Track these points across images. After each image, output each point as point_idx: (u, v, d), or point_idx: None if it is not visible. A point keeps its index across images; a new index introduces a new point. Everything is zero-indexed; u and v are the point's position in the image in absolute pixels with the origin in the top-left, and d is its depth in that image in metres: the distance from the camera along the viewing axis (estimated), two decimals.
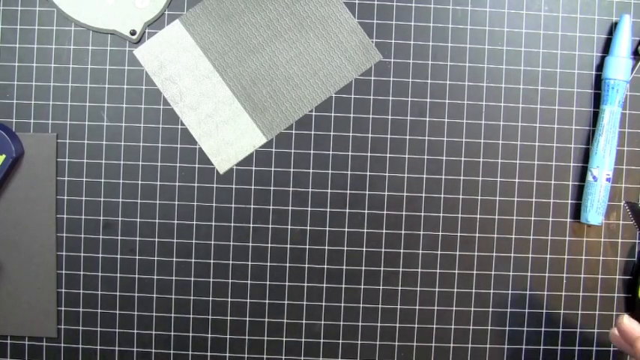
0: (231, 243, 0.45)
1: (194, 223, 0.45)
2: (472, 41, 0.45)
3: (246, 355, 0.45)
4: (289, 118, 0.44)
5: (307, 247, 0.45)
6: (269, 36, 0.44)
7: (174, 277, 0.45)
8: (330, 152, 0.45)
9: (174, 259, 0.45)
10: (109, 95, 0.45)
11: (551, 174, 0.45)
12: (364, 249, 0.45)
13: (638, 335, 0.36)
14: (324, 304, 0.45)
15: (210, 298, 0.45)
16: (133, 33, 0.44)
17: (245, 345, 0.45)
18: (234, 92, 0.44)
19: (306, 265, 0.45)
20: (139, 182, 0.45)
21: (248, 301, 0.45)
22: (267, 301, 0.45)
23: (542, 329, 0.45)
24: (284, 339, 0.45)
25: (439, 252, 0.45)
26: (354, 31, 0.44)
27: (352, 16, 0.44)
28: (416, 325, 0.45)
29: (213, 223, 0.45)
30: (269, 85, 0.44)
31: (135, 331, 0.45)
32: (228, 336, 0.45)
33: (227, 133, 0.44)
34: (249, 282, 0.45)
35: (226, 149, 0.44)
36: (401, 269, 0.45)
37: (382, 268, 0.45)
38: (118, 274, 0.45)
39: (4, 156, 0.43)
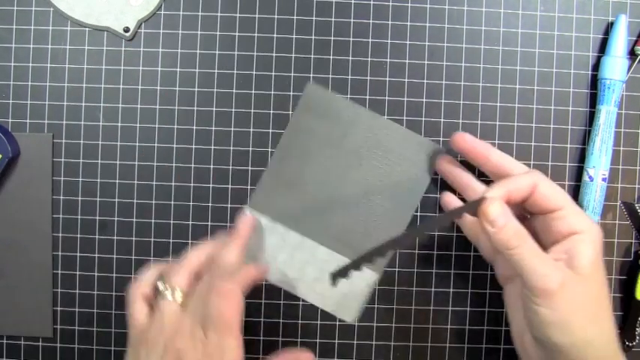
0: None
1: (190, 223, 0.45)
2: (468, 41, 0.45)
3: None
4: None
5: None
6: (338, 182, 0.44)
7: None
8: None
9: (171, 260, 0.45)
10: (105, 95, 0.45)
11: (547, 174, 0.45)
12: None
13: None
14: None
15: None
16: (126, 30, 0.44)
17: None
18: (330, 247, 0.44)
19: None
20: (135, 182, 0.45)
21: (245, 301, 0.45)
22: (263, 301, 0.45)
23: None
24: (280, 339, 0.45)
25: (435, 252, 0.45)
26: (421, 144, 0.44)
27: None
28: (412, 325, 0.45)
29: (209, 223, 0.45)
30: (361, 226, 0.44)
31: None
32: None
33: (341, 287, 0.44)
34: None
35: (346, 300, 0.44)
36: (397, 269, 0.45)
37: None
38: (114, 274, 0.45)
39: (0, 156, 0.43)
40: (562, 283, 0.35)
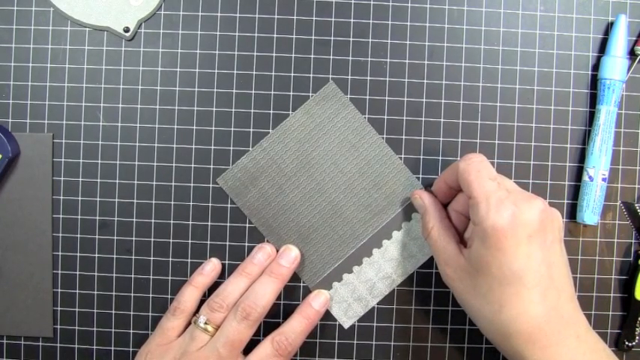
0: (227, 243, 0.45)
1: (190, 223, 0.45)
2: (468, 41, 0.45)
3: None
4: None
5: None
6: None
7: (170, 277, 0.45)
8: None
9: (171, 259, 0.45)
10: (105, 95, 0.45)
11: (547, 174, 0.45)
12: None
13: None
14: None
15: (207, 298, 0.45)
16: (126, 30, 0.44)
17: None
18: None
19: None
20: (135, 182, 0.45)
21: None
22: None
23: None
24: None
25: None
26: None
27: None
28: (412, 325, 0.45)
29: (209, 223, 0.45)
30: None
31: (131, 331, 0.45)
32: None
33: (344, 294, 0.45)
34: None
35: (351, 307, 0.45)
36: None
37: None
38: (114, 274, 0.45)
39: (0, 156, 0.43)
40: (452, 278, 0.38)
